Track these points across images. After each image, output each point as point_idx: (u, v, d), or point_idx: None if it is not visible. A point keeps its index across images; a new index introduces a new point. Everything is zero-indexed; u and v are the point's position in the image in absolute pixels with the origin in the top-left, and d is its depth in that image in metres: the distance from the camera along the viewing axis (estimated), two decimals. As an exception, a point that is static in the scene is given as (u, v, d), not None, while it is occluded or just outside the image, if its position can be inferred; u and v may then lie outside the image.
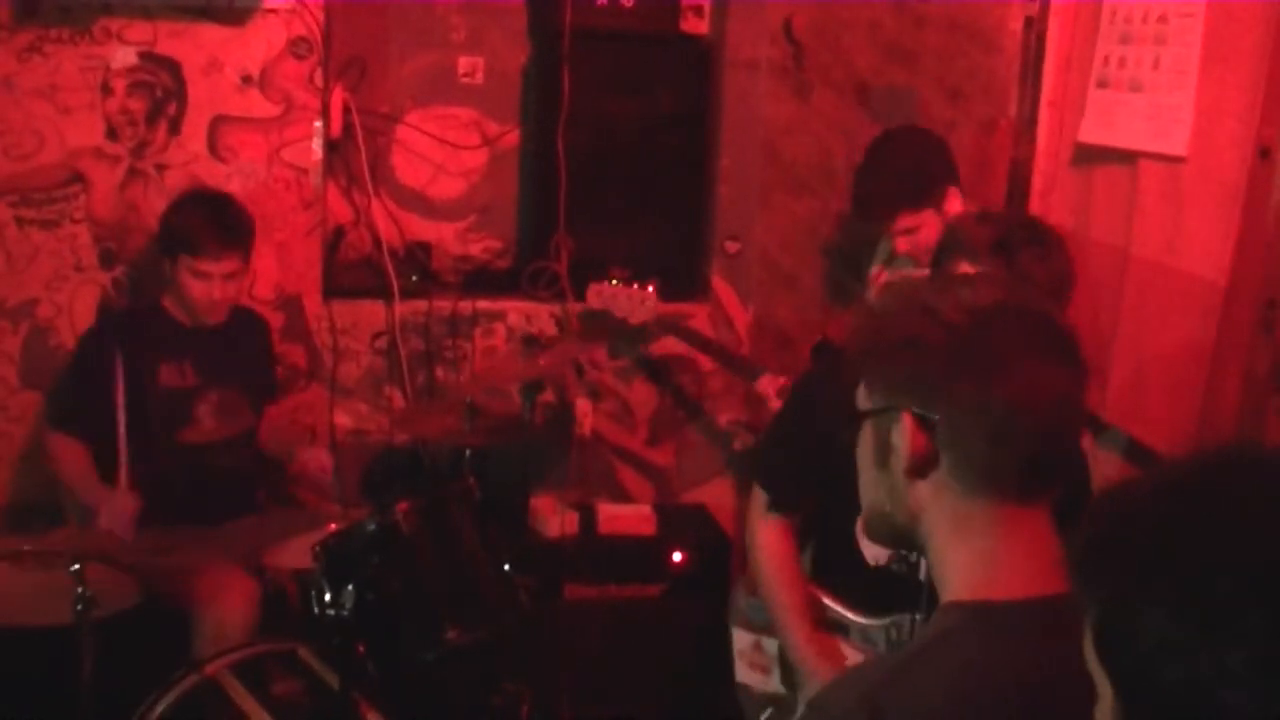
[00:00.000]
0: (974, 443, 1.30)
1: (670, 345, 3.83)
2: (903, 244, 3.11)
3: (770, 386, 3.31)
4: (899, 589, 2.21)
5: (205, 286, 3.12)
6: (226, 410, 3.23)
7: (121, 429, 2.87)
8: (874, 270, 3.37)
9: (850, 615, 2.28)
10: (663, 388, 3.98)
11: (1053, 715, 1.24)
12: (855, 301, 3.76)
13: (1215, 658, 0.89)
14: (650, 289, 3.48)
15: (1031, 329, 1.32)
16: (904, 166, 3.07)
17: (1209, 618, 0.90)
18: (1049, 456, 1.33)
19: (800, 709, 2.31)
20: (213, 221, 3.11)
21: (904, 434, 1.33)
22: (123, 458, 2.85)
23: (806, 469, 2.30)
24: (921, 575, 2.15)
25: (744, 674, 2.48)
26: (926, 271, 3.01)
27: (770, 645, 2.42)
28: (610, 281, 3.52)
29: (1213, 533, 0.94)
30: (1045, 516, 1.34)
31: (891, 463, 1.35)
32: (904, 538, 1.40)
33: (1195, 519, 0.95)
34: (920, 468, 1.33)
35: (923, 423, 1.32)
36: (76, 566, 2.38)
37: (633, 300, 3.47)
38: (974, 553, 1.32)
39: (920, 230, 3.04)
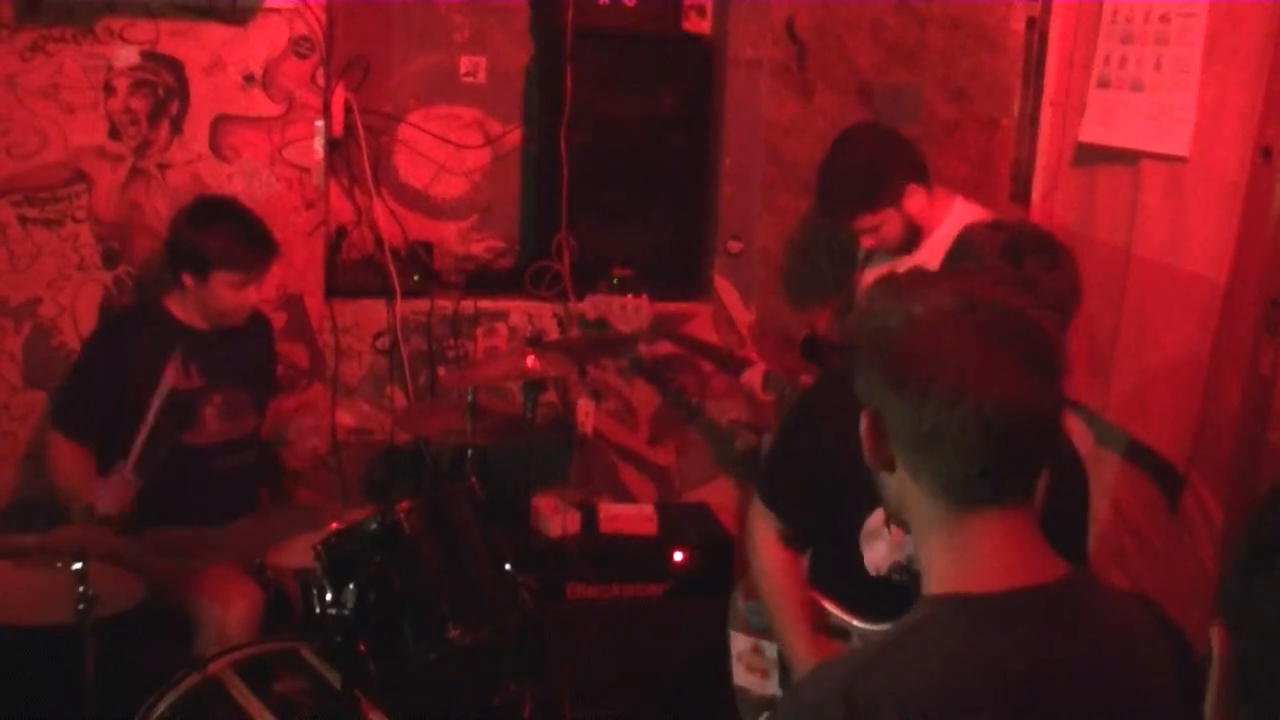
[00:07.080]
0: (917, 451, 1.33)
1: (670, 345, 3.83)
2: (867, 241, 3.19)
3: (754, 377, 3.35)
4: (901, 597, 2.21)
5: (242, 295, 3.16)
6: (231, 412, 3.23)
7: (151, 415, 2.83)
8: (858, 271, 3.39)
9: (852, 621, 2.28)
10: (664, 387, 3.98)
11: (1033, 703, 1.25)
12: (838, 294, 3.78)
13: None
14: (643, 298, 3.54)
15: (986, 337, 1.30)
16: (858, 170, 3.12)
17: None
18: (1001, 464, 1.31)
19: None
20: (247, 236, 3.13)
21: (865, 431, 1.38)
22: (140, 443, 2.83)
23: (810, 487, 2.30)
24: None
25: (742, 677, 2.48)
26: (909, 260, 3.07)
27: (769, 649, 2.41)
28: (611, 283, 3.59)
29: None
30: (1019, 516, 1.34)
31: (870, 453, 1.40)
32: (906, 525, 1.43)
33: None
34: (879, 465, 1.38)
35: (875, 424, 1.36)
36: (79, 565, 2.39)
37: (626, 309, 3.54)
38: (945, 549, 1.35)
39: (882, 228, 3.09)
